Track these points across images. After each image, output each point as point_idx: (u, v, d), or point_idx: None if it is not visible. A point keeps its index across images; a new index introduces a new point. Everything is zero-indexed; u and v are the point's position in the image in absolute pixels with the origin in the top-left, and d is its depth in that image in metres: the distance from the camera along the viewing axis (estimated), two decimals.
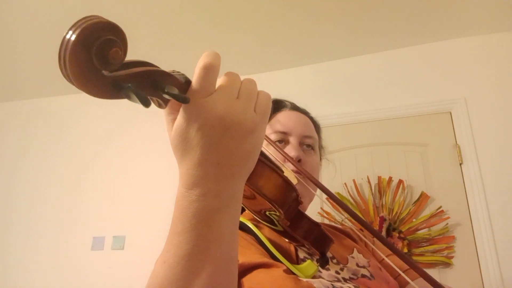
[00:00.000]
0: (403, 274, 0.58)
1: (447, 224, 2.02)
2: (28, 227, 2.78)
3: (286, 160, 0.71)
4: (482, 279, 1.89)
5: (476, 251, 1.94)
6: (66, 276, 2.55)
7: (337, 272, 0.63)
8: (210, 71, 0.36)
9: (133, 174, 2.73)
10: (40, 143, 3.02)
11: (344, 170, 2.28)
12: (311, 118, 0.88)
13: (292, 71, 2.68)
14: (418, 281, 0.73)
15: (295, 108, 0.86)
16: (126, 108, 2.77)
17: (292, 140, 0.77)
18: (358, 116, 2.39)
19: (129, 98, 0.31)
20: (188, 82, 0.36)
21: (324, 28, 2.30)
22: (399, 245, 2.04)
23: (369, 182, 2.22)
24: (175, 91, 0.34)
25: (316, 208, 2.20)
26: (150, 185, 2.65)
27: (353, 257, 0.71)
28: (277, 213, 0.54)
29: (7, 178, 2.99)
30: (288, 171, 0.66)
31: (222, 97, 0.36)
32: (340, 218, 2.19)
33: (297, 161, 0.73)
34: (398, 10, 2.14)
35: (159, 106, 0.38)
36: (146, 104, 0.31)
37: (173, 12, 2.17)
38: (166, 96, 0.35)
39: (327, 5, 2.11)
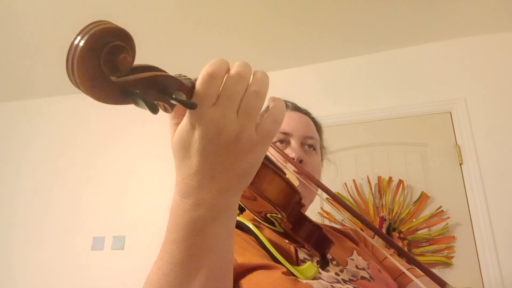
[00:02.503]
0: (407, 272, 0.58)
1: (447, 224, 2.02)
2: (28, 227, 2.77)
3: (287, 161, 0.71)
4: (482, 279, 1.89)
5: (476, 251, 1.94)
6: (66, 276, 2.55)
7: (336, 274, 0.63)
8: (211, 79, 0.34)
9: (133, 174, 2.73)
10: (40, 143, 3.02)
11: (344, 170, 2.28)
12: (312, 119, 0.88)
13: (292, 71, 2.67)
14: (421, 279, 0.73)
15: (296, 108, 0.86)
16: (127, 109, 2.77)
17: (293, 140, 0.77)
18: (358, 116, 2.39)
19: (137, 104, 0.30)
20: (194, 87, 0.36)
21: (323, 28, 2.30)
22: (400, 244, 2.04)
23: (369, 182, 2.22)
24: (183, 97, 0.34)
25: (316, 208, 2.20)
26: (150, 185, 2.65)
27: (352, 259, 0.71)
28: (279, 216, 0.54)
29: (7, 178, 2.99)
30: (290, 172, 0.66)
31: (219, 111, 0.35)
32: (340, 218, 2.19)
33: (299, 162, 0.73)
34: (397, 10, 2.14)
35: (165, 110, 0.37)
36: (155, 111, 0.30)
37: (173, 14, 2.17)
38: (173, 102, 0.34)
39: (326, 5, 2.10)
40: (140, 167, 2.73)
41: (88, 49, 0.27)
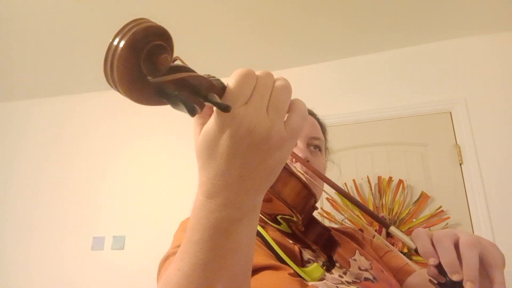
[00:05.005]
0: (410, 262, 0.59)
1: (447, 224, 2.02)
2: (28, 227, 2.77)
3: (295, 160, 0.71)
4: None
5: None
6: (66, 276, 2.54)
7: (340, 276, 0.63)
8: (247, 78, 0.35)
9: (133, 174, 2.72)
10: (40, 143, 3.01)
11: (344, 170, 2.28)
12: (318, 119, 0.88)
13: (292, 71, 2.67)
14: (416, 273, 0.74)
15: None
16: (127, 109, 2.76)
17: (300, 141, 0.77)
18: (358, 116, 2.40)
19: (175, 105, 0.30)
20: (224, 88, 0.35)
21: (324, 28, 2.30)
22: (399, 245, 2.04)
23: (369, 182, 2.23)
24: (217, 98, 0.33)
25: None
26: (150, 185, 2.65)
27: (355, 260, 0.72)
28: (294, 219, 0.54)
29: (6, 177, 2.98)
30: (299, 172, 0.66)
31: (252, 109, 0.35)
32: (340, 218, 2.19)
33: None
34: (397, 10, 2.14)
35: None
36: (193, 113, 0.29)
37: (175, 12, 2.16)
38: (207, 103, 0.33)
39: (326, 5, 2.10)
40: (140, 168, 2.72)
41: (129, 49, 0.27)
